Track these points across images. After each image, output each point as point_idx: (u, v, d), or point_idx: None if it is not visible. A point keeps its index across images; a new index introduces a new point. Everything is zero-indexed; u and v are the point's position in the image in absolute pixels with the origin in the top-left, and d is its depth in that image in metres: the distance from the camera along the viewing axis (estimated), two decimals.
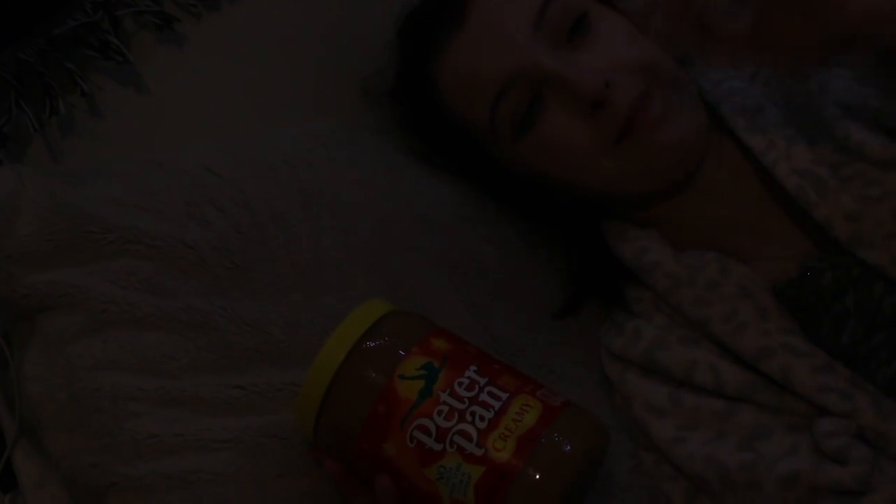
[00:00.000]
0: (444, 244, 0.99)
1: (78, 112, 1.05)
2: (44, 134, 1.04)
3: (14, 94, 1.01)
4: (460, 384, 0.80)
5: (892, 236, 0.91)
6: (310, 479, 0.88)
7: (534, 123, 0.97)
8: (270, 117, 1.09)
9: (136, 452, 0.86)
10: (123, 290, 0.90)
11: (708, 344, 0.94)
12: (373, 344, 0.82)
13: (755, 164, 0.98)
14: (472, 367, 0.81)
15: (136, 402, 0.87)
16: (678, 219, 1.02)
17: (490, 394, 0.79)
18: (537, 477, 0.76)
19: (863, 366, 0.90)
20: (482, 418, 0.78)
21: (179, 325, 0.89)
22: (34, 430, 0.90)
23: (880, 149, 0.93)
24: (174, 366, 0.89)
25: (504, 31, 0.97)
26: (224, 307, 0.91)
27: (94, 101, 1.06)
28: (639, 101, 0.94)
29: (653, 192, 1.01)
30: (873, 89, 0.97)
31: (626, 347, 0.97)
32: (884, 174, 0.93)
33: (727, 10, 0.81)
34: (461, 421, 0.78)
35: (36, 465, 0.92)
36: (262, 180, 0.98)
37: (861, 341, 0.91)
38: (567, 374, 0.97)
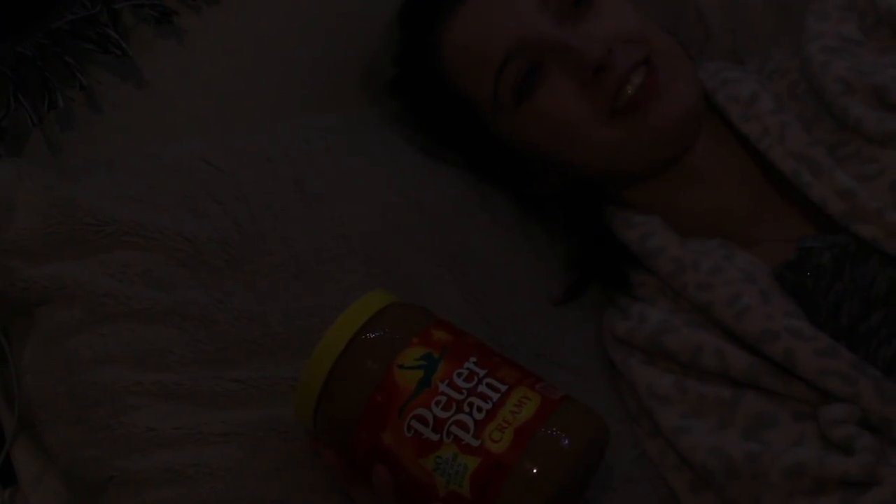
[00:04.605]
0: (443, 234, 0.99)
1: (76, 106, 1.05)
2: (42, 128, 1.04)
3: (12, 88, 1.01)
4: (459, 375, 0.79)
5: (886, 209, 0.91)
6: (308, 472, 0.87)
7: (534, 91, 0.98)
8: (269, 111, 1.09)
9: (135, 446, 0.86)
10: (121, 283, 0.89)
11: (713, 328, 0.94)
12: (373, 335, 0.81)
13: (752, 152, 1.00)
14: (472, 359, 0.80)
15: (134, 395, 0.87)
16: (680, 206, 1.03)
17: (489, 385, 0.79)
18: (533, 470, 0.75)
19: (863, 346, 0.90)
20: (480, 409, 0.77)
21: (177, 318, 0.89)
22: (33, 425, 0.90)
23: (877, 124, 0.94)
24: (172, 359, 0.88)
25: (509, 3, 0.99)
26: (222, 300, 0.90)
27: (93, 94, 1.06)
28: (638, 69, 0.95)
29: (645, 170, 1.01)
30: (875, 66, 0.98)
31: (631, 331, 0.97)
32: (881, 150, 0.94)
33: None
34: (459, 411, 0.77)
35: (35, 460, 0.92)
36: (260, 172, 0.97)
37: (859, 320, 0.90)
38: (566, 363, 0.96)
